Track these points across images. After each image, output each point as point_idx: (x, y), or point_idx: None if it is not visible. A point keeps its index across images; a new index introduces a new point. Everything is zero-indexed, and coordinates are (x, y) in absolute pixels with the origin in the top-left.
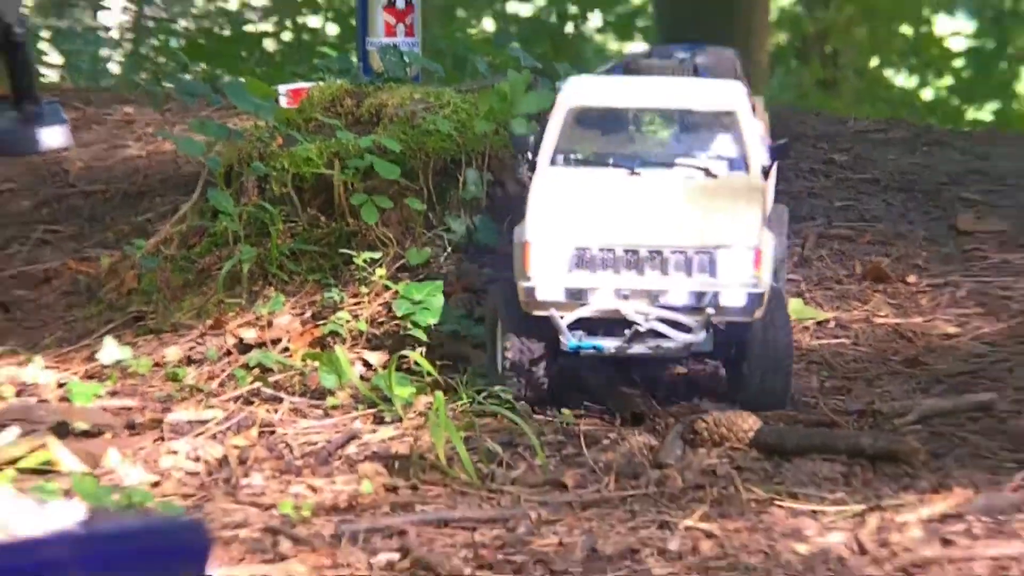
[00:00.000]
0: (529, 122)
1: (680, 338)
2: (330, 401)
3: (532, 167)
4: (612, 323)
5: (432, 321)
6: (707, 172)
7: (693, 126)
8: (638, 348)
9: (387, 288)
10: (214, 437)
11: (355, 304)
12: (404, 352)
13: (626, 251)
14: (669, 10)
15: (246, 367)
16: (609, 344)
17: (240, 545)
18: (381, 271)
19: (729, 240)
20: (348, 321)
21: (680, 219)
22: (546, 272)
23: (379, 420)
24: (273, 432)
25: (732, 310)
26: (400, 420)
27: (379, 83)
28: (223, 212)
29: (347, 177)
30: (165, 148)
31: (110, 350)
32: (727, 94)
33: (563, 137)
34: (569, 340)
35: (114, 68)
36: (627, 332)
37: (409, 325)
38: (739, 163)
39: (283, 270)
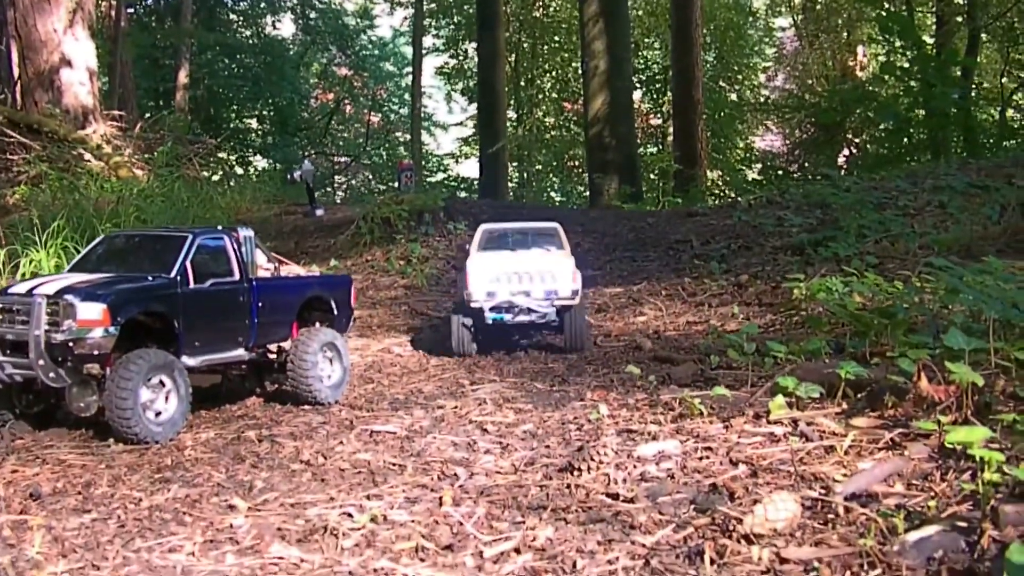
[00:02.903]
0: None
1: (543, 312)
2: (391, 271)
3: (467, 255)
4: (509, 307)
5: (417, 252)
6: (548, 250)
7: (538, 235)
8: (521, 317)
9: (404, 242)
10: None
11: (396, 249)
12: (410, 256)
13: (514, 273)
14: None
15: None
16: (508, 316)
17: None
18: (403, 240)
19: (562, 265)
20: (396, 253)
21: (539, 261)
22: (478, 285)
23: (404, 276)
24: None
25: (564, 299)
26: (411, 274)
27: (403, 193)
28: (364, 222)
29: (394, 216)
30: (340, 215)
31: (334, 262)
32: (554, 224)
33: (481, 241)
34: (489, 316)
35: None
36: (515, 310)
37: (411, 250)
38: (560, 247)
39: (377, 243)
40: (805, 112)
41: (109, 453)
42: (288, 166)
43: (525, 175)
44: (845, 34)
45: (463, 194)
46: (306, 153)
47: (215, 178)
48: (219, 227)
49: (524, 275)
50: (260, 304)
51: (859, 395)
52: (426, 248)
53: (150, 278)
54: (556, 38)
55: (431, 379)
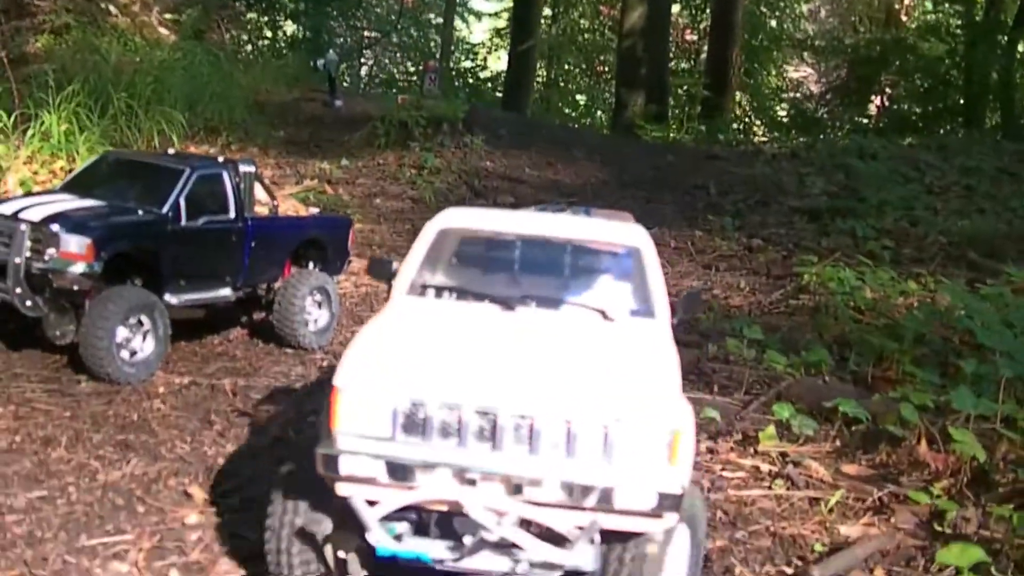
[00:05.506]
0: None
1: (549, 554)
2: (401, 179)
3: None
4: (449, 520)
5: (430, 163)
6: (603, 315)
7: (587, 263)
8: (482, 563)
9: (419, 150)
10: None
11: (409, 156)
12: (423, 166)
13: (480, 414)
14: None
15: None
16: (440, 553)
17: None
18: (418, 148)
19: (635, 410)
20: (409, 161)
21: (564, 374)
22: (359, 432)
23: (414, 187)
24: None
25: (633, 514)
26: (421, 185)
27: (426, 96)
28: (381, 123)
29: (412, 121)
30: (359, 109)
31: (345, 161)
32: (630, 232)
33: (428, 263)
34: (379, 541)
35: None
36: (469, 537)
37: (424, 160)
38: (643, 308)
39: (391, 147)
40: (843, 57)
41: (77, 394)
42: (317, 36)
43: (553, 74)
44: None
45: (488, 85)
46: (335, 32)
47: (246, 46)
48: (220, 159)
49: (520, 411)
50: (253, 244)
51: (854, 428)
52: (439, 159)
53: (140, 212)
54: None
55: None
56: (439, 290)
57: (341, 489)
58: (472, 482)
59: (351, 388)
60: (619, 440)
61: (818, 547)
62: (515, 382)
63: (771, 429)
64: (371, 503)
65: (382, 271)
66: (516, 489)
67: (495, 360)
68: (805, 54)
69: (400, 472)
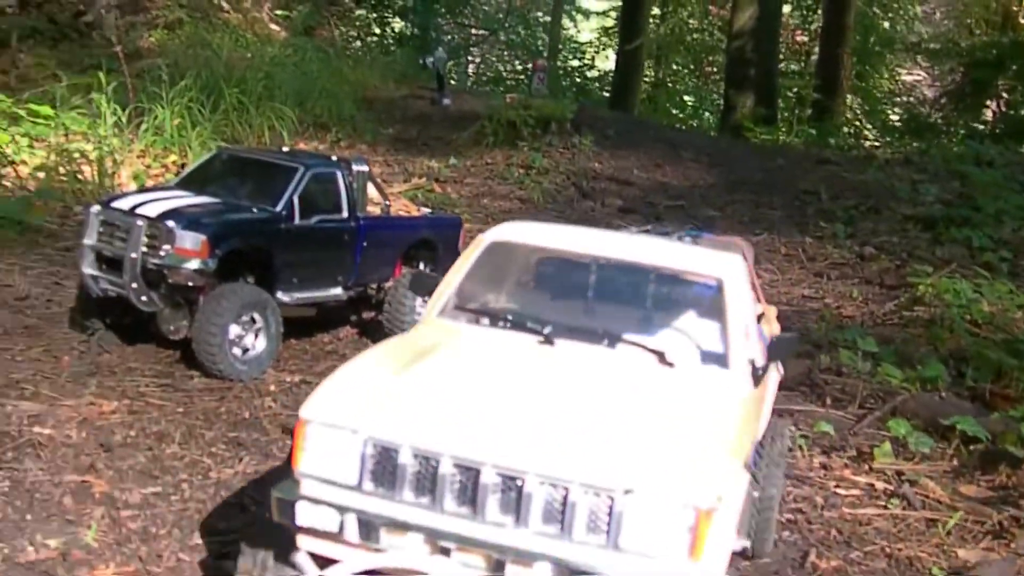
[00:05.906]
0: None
1: None
2: (509, 179)
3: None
4: None
5: (539, 163)
6: (660, 358)
7: (655, 294)
8: None
9: (527, 150)
10: None
11: (517, 156)
12: (531, 166)
13: (460, 467)
14: None
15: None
16: None
17: None
18: (526, 148)
19: (652, 481)
20: (517, 160)
21: (576, 429)
22: (322, 475)
23: (521, 187)
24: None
25: None
26: (528, 185)
27: (534, 95)
28: (489, 122)
29: (520, 121)
30: (467, 107)
31: (453, 160)
32: (715, 259)
33: (470, 281)
34: None
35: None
36: None
37: (532, 160)
38: (716, 354)
39: (499, 146)
40: (958, 60)
41: (190, 389)
42: (425, 33)
43: (660, 74)
44: None
45: (596, 84)
46: (442, 30)
47: (355, 43)
48: (334, 158)
49: (498, 479)
50: (365, 244)
51: (972, 447)
52: (548, 159)
53: (254, 210)
54: None
55: None
56: (476, 314)
57: (299, 541)
58: (446, 551)
59: (317, 422)
60: (628, 517)
61: (936, 571)
62: (509, 432)
63: (887, 446)
64: (331, 561)
65: (423, 286)
66: (497, 566)
67: (495, 405)
68: (918, 57)
69: (364, 530)
